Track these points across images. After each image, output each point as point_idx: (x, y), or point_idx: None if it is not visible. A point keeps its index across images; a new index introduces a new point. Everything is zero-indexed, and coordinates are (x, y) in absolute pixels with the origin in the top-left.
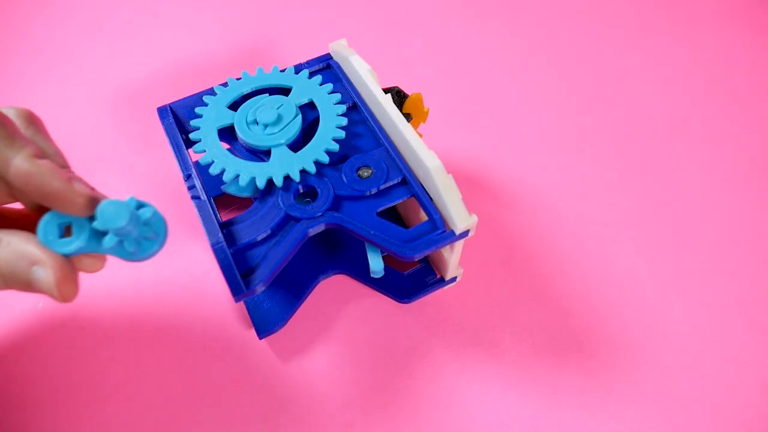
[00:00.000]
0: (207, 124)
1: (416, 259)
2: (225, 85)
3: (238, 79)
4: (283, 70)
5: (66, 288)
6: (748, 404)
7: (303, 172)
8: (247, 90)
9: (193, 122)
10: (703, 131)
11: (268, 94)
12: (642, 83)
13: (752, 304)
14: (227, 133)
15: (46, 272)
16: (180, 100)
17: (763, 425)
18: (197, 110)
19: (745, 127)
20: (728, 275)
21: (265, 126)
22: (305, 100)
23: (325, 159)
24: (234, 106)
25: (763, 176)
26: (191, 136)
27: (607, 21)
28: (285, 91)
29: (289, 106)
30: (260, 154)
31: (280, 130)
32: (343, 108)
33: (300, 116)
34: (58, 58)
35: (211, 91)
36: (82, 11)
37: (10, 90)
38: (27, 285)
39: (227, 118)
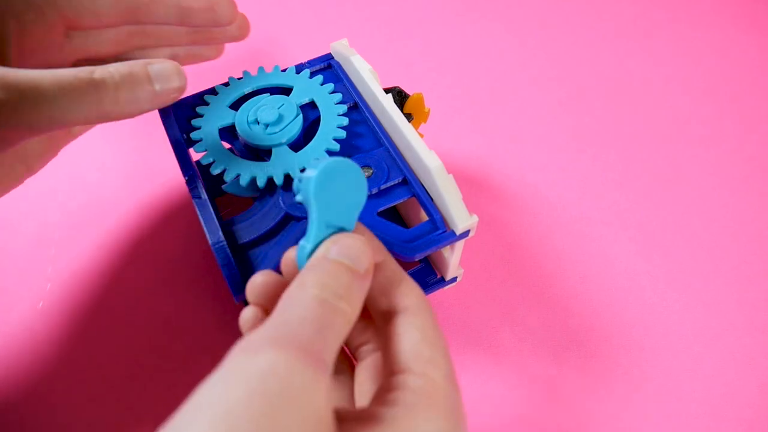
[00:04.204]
0: (208, 123)
1: (417, 259)
2: (226, 84)
3: (239, 78)
4: (284, 70)
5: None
6: (748, 404)
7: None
8: (248, 89)
9: (194, 121)
10: (703, 131)
11: (269, 94)
12: (642, 83)
13: (752, 304)
14: (228, 133)
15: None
16: (181, 99)
17: (763, 425)
18: (198, 109)
19: (745, 127)
20: (728, 275)
21: (266, 125)
22: (306, 100)
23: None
24: (235, 105)
25: (763, 176)
26: (192, 135)
27: (607, 21)
28: (286, 90)
29: (290, 105)
30: (261, 154)
31: (281, 130)
32: (344, 108)
33: (301, 116)
34: None
35: (212, 91)
36: None
37: None
38: None
39: (228, 117)
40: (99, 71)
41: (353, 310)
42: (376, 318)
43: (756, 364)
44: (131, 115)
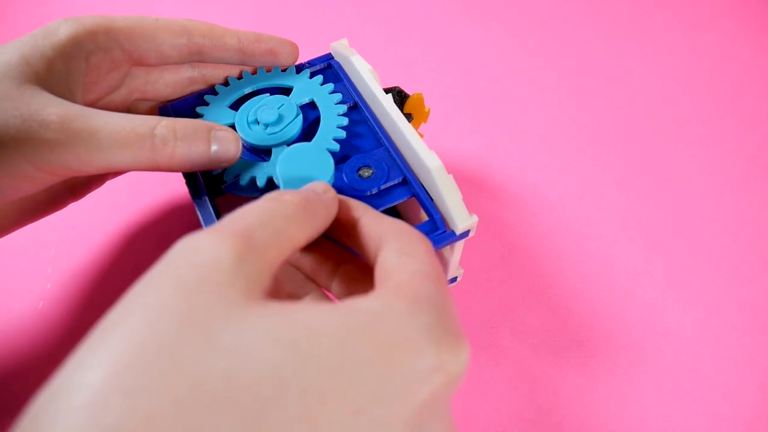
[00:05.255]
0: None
1: None
2: (226, 84)
3: (239, 78)
4: (284, 70)
5: None
6: (748, 404)
7: None
8: (248, 89)
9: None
10: (703, 131)
11: (269, 94)
12: (642, 83)
13: (752, 304)
14: None
15: None
16: (181, 99)
17: (763, 425)
18: (198, 110)
19: (745, 127)
20: (728, 275)
21: (266, 126)
22: (306, 100)
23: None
24: (235, 105)
25: (764, 176)
26: None
27: (608, 21)
28: (286, 90)
29: (290, 106)
30: (261, 154)
31: (280, 130)
32: (344, 108)
33: (301, 116)
34: None
35: (212, 91)
36: (83, 10)
37: None
38: None
39: (228, 117)
40: (161, 128)
41: (298, 200)
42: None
43: (756, 364)
44: (180, 171)
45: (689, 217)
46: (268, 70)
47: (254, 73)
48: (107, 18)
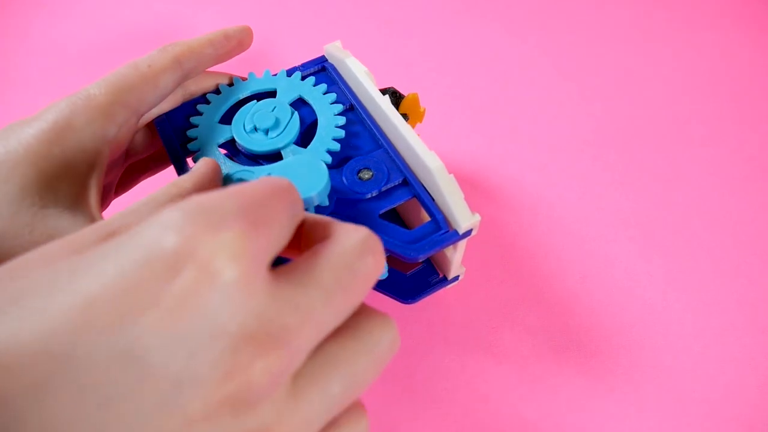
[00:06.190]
0: (205, 142)
1: (420, 260)
2: (207, 102)
3: (216, 92)
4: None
5: None
6: (748, 404)
7: None
8: (235, 100)
9: (191, 145)
10: (703, 131)
11: (256, 101)
12: (642, 83)
13: (752, 304)
14: (229, 147)
15: None
16: (175, 109)
17: (763, 425)
18: (189, 133)
19: (745, 127)
20: (728, 275)
21: (266, 131)
22: (295, 97)
23: (337, 146)
24: (225, 119)
25: (764, 176)
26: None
27: (607, 21)
28: (271, 94)
29: (282, 106)
30: (261, 160)
31: (281, 132)
32: (333, 96)
33: (296, 114)
34: (57, 57)
35: (196, 111)
36: (82, 11)
37: (10, 92)
38: None
39: (224, 132)
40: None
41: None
42: None
43: (756, 364)
44: None
45: (689, 217)
46: (244, 79)
47: (230, 84)
48: (115, 88)
